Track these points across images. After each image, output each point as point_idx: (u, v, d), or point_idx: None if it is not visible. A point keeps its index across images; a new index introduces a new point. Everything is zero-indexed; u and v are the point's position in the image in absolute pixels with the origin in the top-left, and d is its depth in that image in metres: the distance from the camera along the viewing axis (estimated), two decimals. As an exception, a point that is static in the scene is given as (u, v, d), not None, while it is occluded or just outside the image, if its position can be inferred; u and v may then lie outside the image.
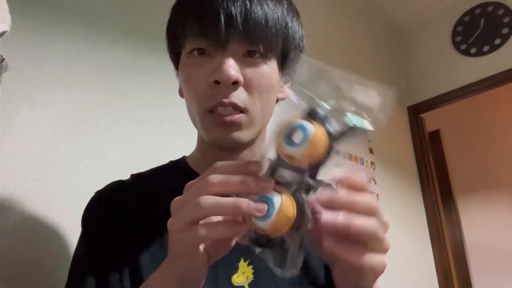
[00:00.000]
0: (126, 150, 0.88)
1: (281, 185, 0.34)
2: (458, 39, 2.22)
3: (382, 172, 1.82)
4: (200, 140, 0.60)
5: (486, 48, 2.10)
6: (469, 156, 2.97)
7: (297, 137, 0.33)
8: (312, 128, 0.33)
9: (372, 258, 0.35)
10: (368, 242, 0.35)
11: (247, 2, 0.48)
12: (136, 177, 0.60)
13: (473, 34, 2.17)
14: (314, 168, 0.35)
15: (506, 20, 2.07)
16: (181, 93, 0.60)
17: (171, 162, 0.63)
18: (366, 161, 1.74)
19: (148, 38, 1.00)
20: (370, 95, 0.36)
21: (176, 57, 0.57)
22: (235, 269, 0.51)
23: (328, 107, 0.36)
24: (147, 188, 0.57)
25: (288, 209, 0.33)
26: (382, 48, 2.31)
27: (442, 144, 3.02)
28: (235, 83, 0.48)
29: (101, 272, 0.49)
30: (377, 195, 1.72)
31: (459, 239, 2.86)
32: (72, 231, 0.73)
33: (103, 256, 0.51)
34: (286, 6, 0.53)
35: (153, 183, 0.58)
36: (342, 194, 0.35)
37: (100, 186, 0.59)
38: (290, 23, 0.52)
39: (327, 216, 0.33)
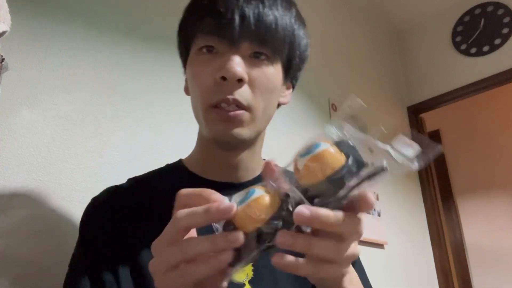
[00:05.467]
0: (126, 150, 0.88)
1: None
2: (458, 39, 2.22)
3: (382, 172, 1.82)
4: (201, 140, 0.60)
5: (486, 48, 2.10)
6: (469, 156, 2.97)
7: (307, 150, 0.32)
8: (326, 145, 0.32)
9: (317, 267, 0.33)
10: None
11: (260, 6, 0.50)
12: (133, 182, 0.60)
13: (473, 34, 2.17)
14: (314, 193, 0.32)
15: (506, 20, 2.07)
16: (186, 91, 0.61)
17: (168, 165, 0.63)
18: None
19: (148, 38, 1.00)
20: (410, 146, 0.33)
21: (185, 55, 0.58)
22: None
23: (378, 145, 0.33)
24: (144, 192, 0.57)
25: (264, 203, 0.32)
26: (382, 48, 2.31)
27: (442, 144, 3.03)
28: (240, 81, 0.50)
29: (97, 281, 0.49)
30: (377, 195, 1.73)
31: (459, 239, 2.86)
32: (72, 231, 0.73)
33: (100, 264, 0.50)
34: (294, 14, 0.55)
35: (150, 187, 0.58)
36: (307, 236, 0.33)
37: (100, 186, 0.59)
38: (297, 31, 0.55)
39: (283, 240, 0.31)
